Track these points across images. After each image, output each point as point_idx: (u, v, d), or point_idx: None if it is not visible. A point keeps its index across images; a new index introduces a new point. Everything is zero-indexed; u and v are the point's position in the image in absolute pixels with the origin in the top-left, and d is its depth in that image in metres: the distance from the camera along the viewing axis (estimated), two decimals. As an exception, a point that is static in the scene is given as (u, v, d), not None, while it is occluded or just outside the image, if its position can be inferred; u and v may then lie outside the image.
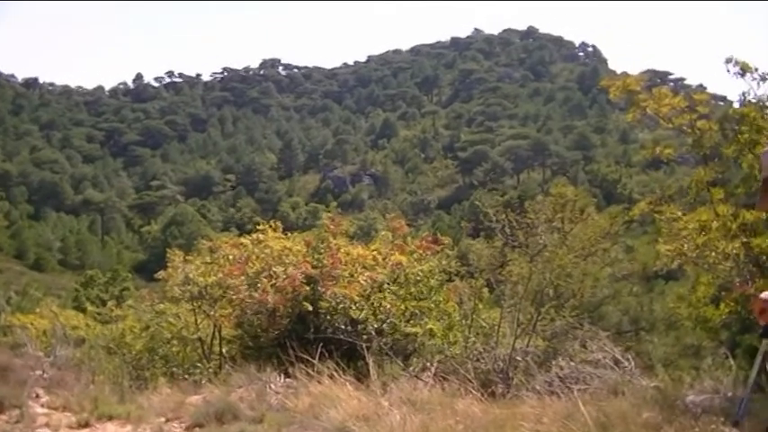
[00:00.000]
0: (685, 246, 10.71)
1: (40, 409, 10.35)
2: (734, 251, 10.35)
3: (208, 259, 16.30)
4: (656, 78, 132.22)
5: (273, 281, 14.15)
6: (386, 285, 14.27)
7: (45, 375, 12.32)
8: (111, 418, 10.09)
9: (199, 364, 15.05)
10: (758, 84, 10.98)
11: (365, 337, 12.99)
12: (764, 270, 10.20)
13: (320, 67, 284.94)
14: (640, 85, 11.92)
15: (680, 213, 10.99)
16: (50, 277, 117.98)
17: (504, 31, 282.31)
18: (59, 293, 77.19)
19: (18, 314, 31.20)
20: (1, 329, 24.51)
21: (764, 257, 10.23)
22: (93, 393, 10.96)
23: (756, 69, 11.00)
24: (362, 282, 13.93)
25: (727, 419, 7.43)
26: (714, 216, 10.44)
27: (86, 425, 9.82)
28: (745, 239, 10.14)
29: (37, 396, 11.08)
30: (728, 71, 11.16)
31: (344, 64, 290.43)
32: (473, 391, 9.40)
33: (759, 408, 8.05)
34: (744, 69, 11.00)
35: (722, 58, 11.24)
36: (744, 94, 11.14)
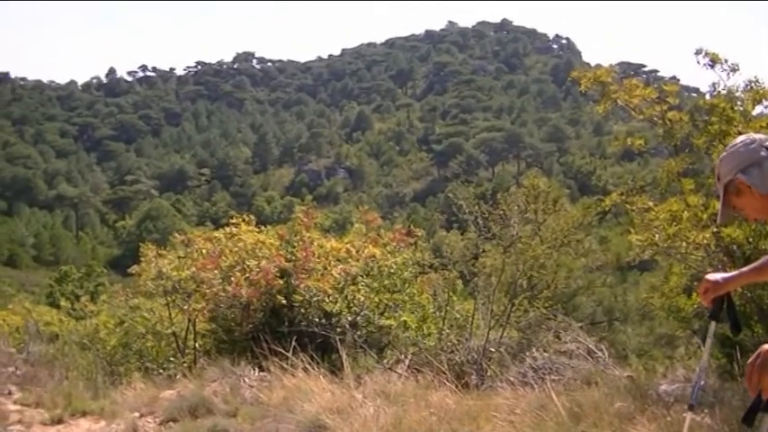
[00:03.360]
0: (657, 236, 10.73)
1: (12, 406, 10.31)
2: (705, 241, 10.39)
3: (181, 253, 16.27)
4: (629, 70, 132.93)
5: (247, 274, 14.12)
6: (359, 278, 14.27)
7: (18, 372, 12.27)
8: (84, 414, 10.07)
9: (173, 359, 15.03)
10: (728, 75, 11.03)
11: (339, 329, 12.99)
12: (735, 259, 10.25)
13: (294, 61, 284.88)
14: (611, 76, 11.93)
15: (651, 204, 11.02)
16: (24, 273, 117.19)
17: (479, 23, 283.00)
18: (33, 290, 77.00)
19: (-10, 311, 31.07)
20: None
21: (735, 247, 10.28)
22: (67, 389, 10.93)
23: (726, 60, 11.05)
24: (336, 275, 13.93)
25: (699, 408, 7.47)
26: (685, 206, 10.48)
27: (60, 421, 9.79)
28: (715, 229, 10.18)
29: (9, 393, 11.05)
30: (698, 62, 11.21)
31: (319, 57, 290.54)
32: (447, 383, 9.42)
33: (730, 396, 8.11)
34: (713, 60, 11.04)
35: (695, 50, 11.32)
36: (714, 85, 11.20)
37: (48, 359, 14.03)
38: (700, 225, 10.36)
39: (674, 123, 11.15)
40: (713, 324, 4.87)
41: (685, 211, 10.44)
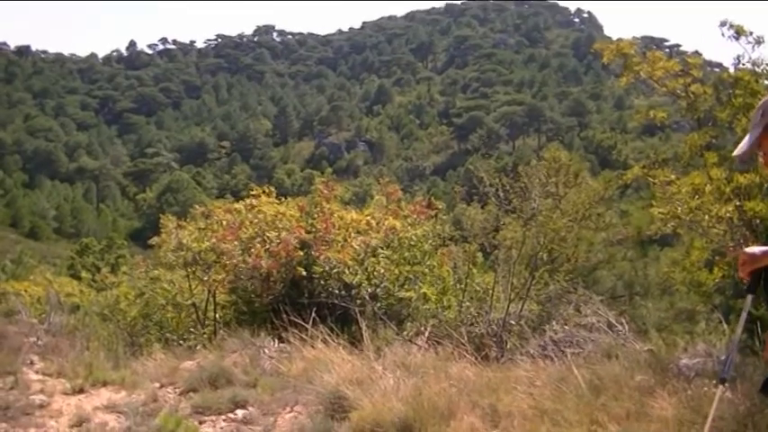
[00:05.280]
0: (679, 209, 10.66)
1: (34, 376, 10.34)
2: (727, 214, 10.31)
3: (201, 225, 16.24)
4: (651, 45, 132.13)
5: (267, 246, 14.11)
6: (379, 250, 14.24)
7: (39, 342, 12.30)
8: (105, 384, 10.08)
9: (193, 330, 15.02)
10: (753, 47, 10.91)
11: (359, 301, 12.97)
12: (758, 233, 10.17)
13: (314, 34, 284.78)
14: (634, 48, 11.83)
15: (673, 177, 10.94)
16: (46, 245, 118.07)
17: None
18: (55, 261, 77.32)
19: (12, 282, 31.27)
20: (-4, 297, 24.50)
21: (758, 221, 10.20)
22: (88, 360, 10.94)
23: (751, 33, 10.92)
24: (356, 246, 13.91)
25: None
26: (708, 180, 10.40)
27: (81, 391, 9.79)
28: (738, 203, 10.10)
29: (31, 363, 11.07)
30: (723, 34, 11.09)
31: (339, 30, 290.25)
32: (467, 355, 9.41)
33: (752, 371, 8.07)
34: (738, 32, 10.92)
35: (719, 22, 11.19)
36: (738, 57, 11.08)
37: (69, 330, 14.03)
38: (722, 198, 10.28)
39: (698, 96, 11.05)
40: (749, 297, 4.84)
41: (708, 185, 10.36)
